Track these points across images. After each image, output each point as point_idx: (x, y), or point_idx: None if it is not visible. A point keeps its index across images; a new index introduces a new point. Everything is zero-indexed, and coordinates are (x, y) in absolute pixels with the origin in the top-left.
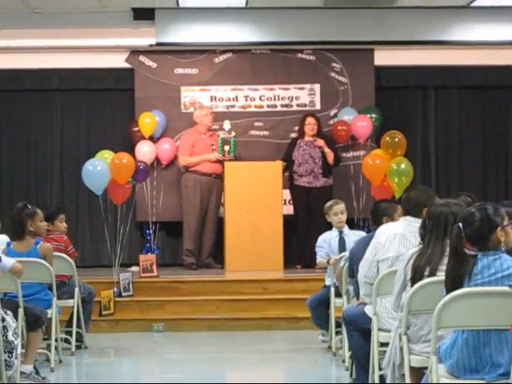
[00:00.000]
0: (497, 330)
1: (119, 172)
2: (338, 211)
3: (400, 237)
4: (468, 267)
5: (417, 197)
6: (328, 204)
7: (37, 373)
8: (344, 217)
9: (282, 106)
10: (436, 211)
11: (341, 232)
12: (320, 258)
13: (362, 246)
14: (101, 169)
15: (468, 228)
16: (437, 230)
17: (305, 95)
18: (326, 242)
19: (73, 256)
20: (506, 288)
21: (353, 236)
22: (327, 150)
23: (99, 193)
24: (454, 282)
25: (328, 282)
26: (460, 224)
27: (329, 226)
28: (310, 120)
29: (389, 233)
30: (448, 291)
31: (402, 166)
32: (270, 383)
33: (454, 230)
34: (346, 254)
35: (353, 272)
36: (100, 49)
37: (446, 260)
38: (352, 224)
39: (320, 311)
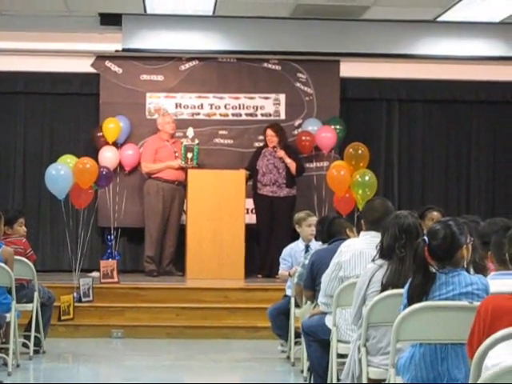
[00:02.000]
0: (454, 344)
1: (82, 177)
2: (311, 223)
3: (366, 255)
4: (430, 283)
5: (384, 207)
6: (301, 215)
7: None
8: (315, 229)
9: (247, 114)
10: (410, 223)
11: (307, 246)
12: (282, 271)
13: (324, 256)
14: (64, 173)
15: (432, 244)
16: (411, 243)
17: (270, 105)
18: (292, 256)
19: (31, 259)
20: (465, 302)
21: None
22: (288, 160)
23: (62, 197)
24: (419, 297)
25: (288, 292)
26: (426, 238)
27: (291, 237)
28: (268, 132)
29: (353, 251)
30: (410, 305)
31: (366, 177)
32: None
33: (419, 244)
34: (298, 268)
35: (313, 282)
36: (66, 53)
37: None
38: None
39: (280, 321)
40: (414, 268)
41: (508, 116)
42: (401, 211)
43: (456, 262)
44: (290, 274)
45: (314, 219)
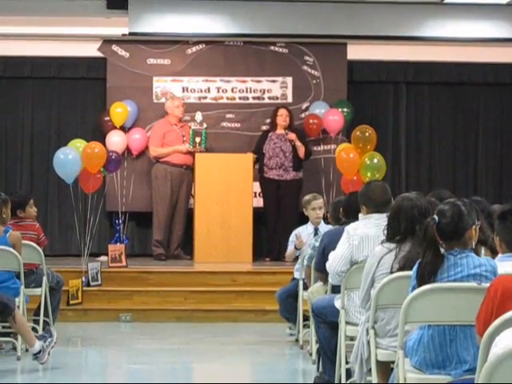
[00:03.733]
0: (463, 325)
1: (90, 161)
2: (316, 206)
3: (374, 238)
4: (439, 263)
5: (387, 190)
6: (306, 198)
7: (48, 336)
8: (321, 212)
9: (254, 98)
10: (426, 206)
11: (316, 229)
12: (288, 251)
13: (335, 238)
14: (72, 157)
15: (441, 222)
16: (412, 225)
17: (277, 88)
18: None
19: (42, 244)
20: (473, 284)
21: None
22: (298, 143)
23: (70, 181)
24: (429, 275)
25: (297, 275)
26: (436, 217)
27: (298, 220)
28: (283, 111)
29: (361, 234)
30: (421, 285)
31: (375, 160)
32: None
33: (429, 223)
34: (309, 250)
35: (325, 265)
36: (73, 37)
37: None
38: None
39: (289, 304)
40: (424, 247)
41: None
42: (410, 193)
43: (464, 243)
44: (296, 247)
45: (318, 202)
